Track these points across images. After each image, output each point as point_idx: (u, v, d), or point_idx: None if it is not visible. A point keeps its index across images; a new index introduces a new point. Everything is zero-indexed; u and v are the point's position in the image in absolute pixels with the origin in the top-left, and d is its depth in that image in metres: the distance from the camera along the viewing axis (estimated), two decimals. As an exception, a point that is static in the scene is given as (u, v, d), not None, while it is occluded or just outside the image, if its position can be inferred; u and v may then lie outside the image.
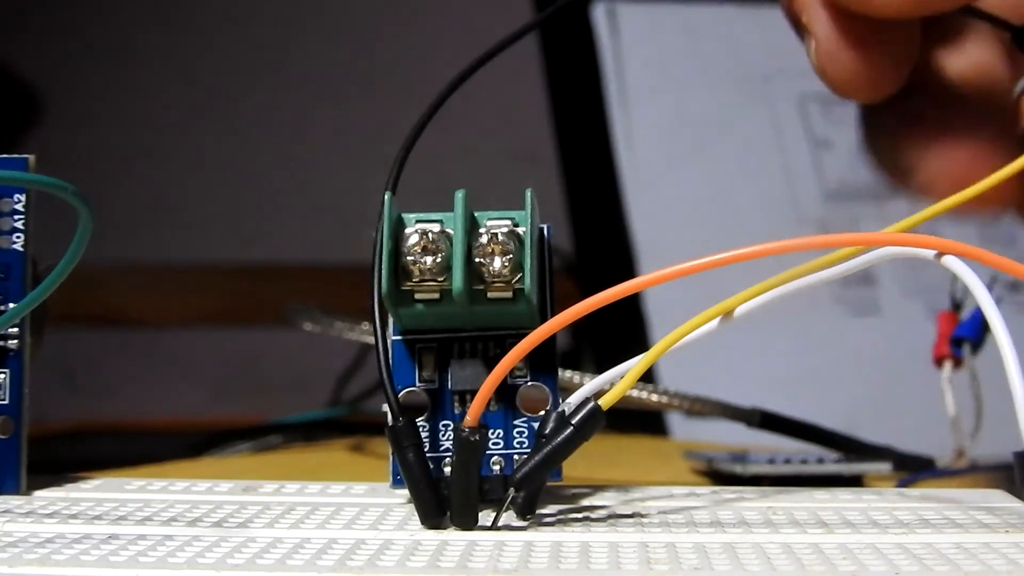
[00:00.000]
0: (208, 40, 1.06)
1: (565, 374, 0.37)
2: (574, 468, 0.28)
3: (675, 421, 0.63)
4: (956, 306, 0.39)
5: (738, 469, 0.38)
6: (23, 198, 0.30)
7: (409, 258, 0.27)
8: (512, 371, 0.28)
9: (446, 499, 0.26)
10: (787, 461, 0.39)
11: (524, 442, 0.28)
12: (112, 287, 0.92)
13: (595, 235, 0.73)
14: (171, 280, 0.95)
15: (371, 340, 0.28)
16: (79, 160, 0.98)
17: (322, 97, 1.02)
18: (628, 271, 0.68)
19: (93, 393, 0.98)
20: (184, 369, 1.01)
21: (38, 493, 0.30)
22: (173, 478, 0.31)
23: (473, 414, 0.26)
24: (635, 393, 0.39)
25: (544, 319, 0.28)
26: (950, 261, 0.26)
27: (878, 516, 0.27)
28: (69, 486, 0.31)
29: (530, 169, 0.89)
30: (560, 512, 0.28)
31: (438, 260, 0.27)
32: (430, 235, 0.27)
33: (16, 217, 0.30)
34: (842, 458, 0.39)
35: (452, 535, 0.25)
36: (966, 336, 0.39)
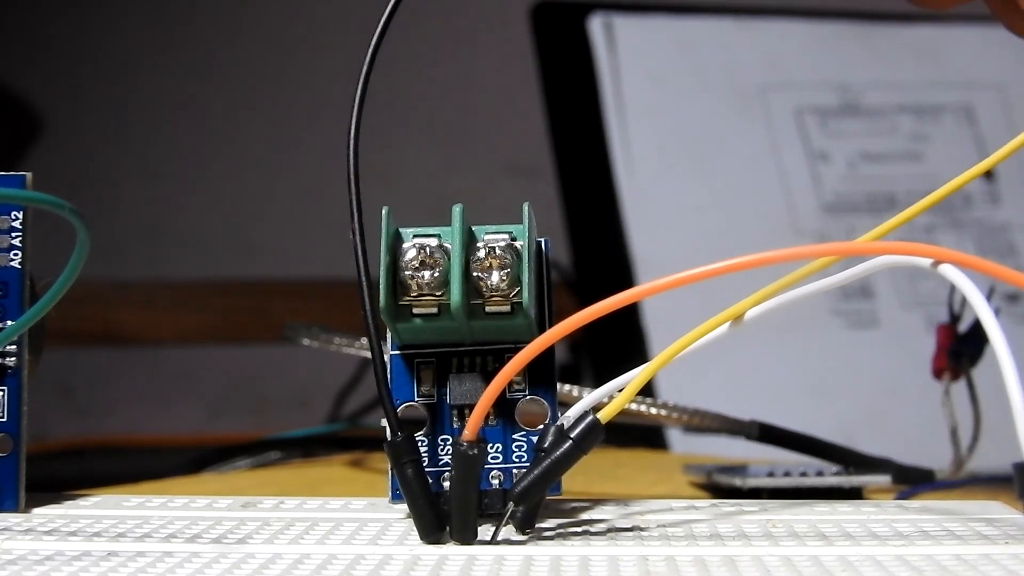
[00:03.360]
0: (207, 58, 1.06)
1: (564, 387, 0.37)
2: (573, 482, 0.28)
3: (674, 435, 0.63)
4: (954, 318, 0.39)
5: (737, 482, 0.38)
6: (20, 215, 0.30)
7: (407, 273, 0.27)
8: (510, 385, 0.28)
9: (445, 514, 0.26)
10: (786, 474, 0.39)
11: (523, 456, 0.28)
12: (112, 304, 0.92)
13: (593, 248, 0.73)
14: (170, 297, 0.95)
15: (370, 355, 0.28)
16: (79, 178, 0.99)
17: (321, 113, 1.02)
18: (626, 284, 0.68)
19: (93, 410, 0.98)
20: (184, 386, 1.01)
21: (37, 510, 0.30)
22: (173, 494, 0.31)
23: (471, 428, 0.26)
24: (633, 406, 0.39)
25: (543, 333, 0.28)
26: (947, 270, 0.26)
27: (877, 528, 0.27)
28: (68, 503, 0.31)
29: (528, 183, 0.90)
30: (559, 526, 0.28)
31: (436, 275, 0.27)
32: (428, 249, 0.27)
33: (14, 234, 0.30)
34: (841, 470, 0.39)
35: (451, 550, 0.25)
36: (964, 348, 0.39)
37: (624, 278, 0.69)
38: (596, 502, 0.30)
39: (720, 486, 0.39)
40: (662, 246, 0.70)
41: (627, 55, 0.75)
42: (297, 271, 0.96)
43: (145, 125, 1.05)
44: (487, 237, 0.27)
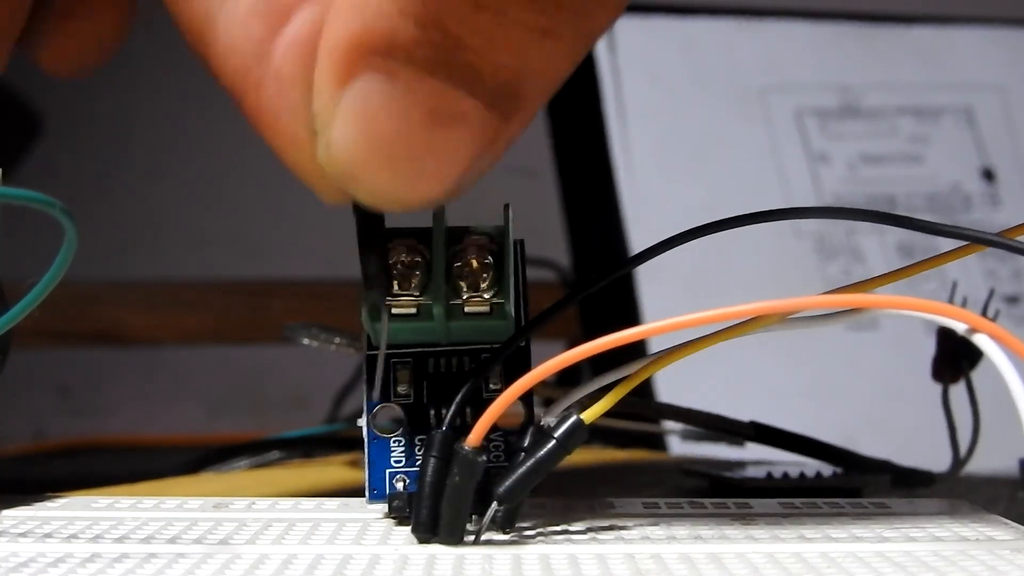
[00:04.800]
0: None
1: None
2: (571, 483, 0.28)
3: (672, 435, 0.63)
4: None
5: (734, 483, 0.38)
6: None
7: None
8: (487, 385, 0.28)
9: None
10: (785, 475, 0.39)
11: (500, 456, 0.28)
12: (110, 304, 0.92)
13: (593, 249, 0.73)
14: (169, 297, 0.95)
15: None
16: (79, 178, 0.99)
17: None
18: (626, 286, 0.68)
19: (91, 410, 0.98)
20: (183, 386, 1.01)
21: (6, 512, 0.29)
22: (172, 495, 0.31)
23: (478, 434, 0.26)
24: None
25: None
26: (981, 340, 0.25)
27: (878, 528, 0.27)
28: (37, 505, 0.30)
29: (528, 184, 0.90)
30: (536, 525, 0.28)
31: (416, 275, 0.27)
32: (407, 250, 0.27)
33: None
34: (840, 472, 0.39)
35: (438, 549, 0.25)
36: (964, 350, 0.39)
37: (624, 279, 0.69)
38: (572, 502, 0.30)
39: (717, 487, 0.39)
40: (662, 247, 0.70)
41: (627, 56, 0.75)
42: (297, 271, 0.96)
43: (145, 125, 1.05)
44: (467, 239, 0.27)
